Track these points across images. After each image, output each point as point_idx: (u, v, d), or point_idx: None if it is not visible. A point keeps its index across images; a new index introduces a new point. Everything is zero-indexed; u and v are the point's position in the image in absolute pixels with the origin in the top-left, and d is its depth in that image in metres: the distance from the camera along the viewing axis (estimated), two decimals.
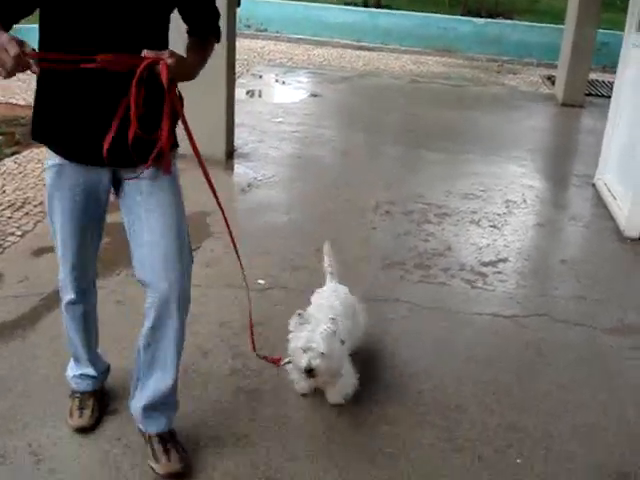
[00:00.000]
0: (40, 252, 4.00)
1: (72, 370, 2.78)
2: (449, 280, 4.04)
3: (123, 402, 2.82)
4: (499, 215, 4.97)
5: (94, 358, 2.77)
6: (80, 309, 2.61)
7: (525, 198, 5.33)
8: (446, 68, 10.34)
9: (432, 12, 12.59)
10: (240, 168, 5.50)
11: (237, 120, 5.86)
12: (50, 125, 2.24)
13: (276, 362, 3.10)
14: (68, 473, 2.49)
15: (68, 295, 2.56)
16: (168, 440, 2.52)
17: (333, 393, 2.89)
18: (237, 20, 5.73)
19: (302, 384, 2.92)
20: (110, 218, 4.41)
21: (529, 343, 3.49)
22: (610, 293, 4.06)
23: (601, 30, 8.77)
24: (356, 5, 12.95)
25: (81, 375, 2.75)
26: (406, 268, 4.13)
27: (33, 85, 2.28)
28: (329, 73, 9.31)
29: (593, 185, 5.66)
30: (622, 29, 5.55)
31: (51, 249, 2.67)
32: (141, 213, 2.36)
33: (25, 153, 5.52)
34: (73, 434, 2.65)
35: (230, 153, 5.63)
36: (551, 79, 9.72)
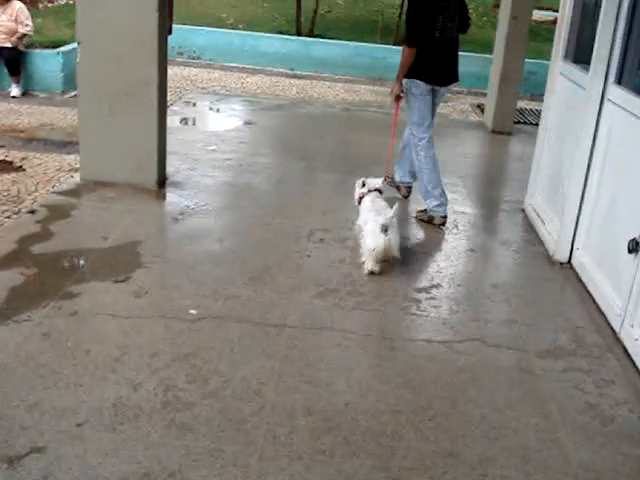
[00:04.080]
0: None
1: None
2: (383, 307, 4.04)
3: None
4: (431, 241, 5.01)
5: None
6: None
7: (457, 224, 5.39)
8: (379, 96, 10.43)
9: (364, 42, 12.73)
10: (172, 197, 5.42)
11: (170, 148, 5.79)
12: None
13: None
14: None
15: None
16: None
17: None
18: (169, 47, 5.69)
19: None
20: (38, 249, 4.34)
21: (463, 368, 3.51)
22: (541, 316, 4.12)
23: (528, 59, 8.98)
24: (289, 34, 13.04)
25: None
26: (340, 295, 4.11)
27: None
28: (263, 101, 9.31)
29: (523, 210, 5.76)
30: (549, 59, 5.69)
31: None
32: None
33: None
34: None
35: (162, 181, 5.55)
36: (480, 107, 9.90)
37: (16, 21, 8.57)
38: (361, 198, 4.79)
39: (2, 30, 8.51)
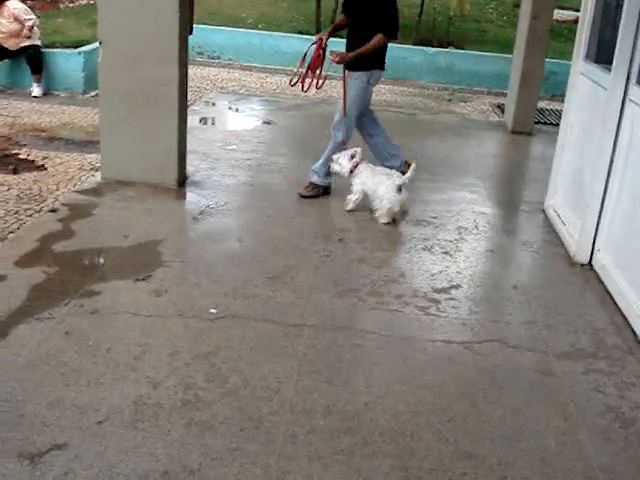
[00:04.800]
0: None
1: None
2: (402, 307, 4.03)
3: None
4: (451, 242, 5.00)
5: None
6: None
7: (477, 224, 5.37)
8: (398, 96, 10.44)
9: None
10: (192, 196, 5.44)
11: (190, 147, 5.82)
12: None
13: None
14: None
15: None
16: None
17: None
18: (189, 47, 5.72)
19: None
20: (60, 248, 4.37)
21: (482, 369, 3.50)
22: (561, 318, 4.10)
23: (549, 59, 8.92)
24: (308, 34, 13.03)
25: None
26: (359, 295, 4.11)
27: None
28: (282, 101, 9.32)
29: (543, 211, 5.73)
30: (570, 59, 5.66)
31: None
32: None
33: None
34: None
35: (182, 181, 5.57)
36: (501, 107, 9.85)
37: (16, 20, 8.53)
38: (355, 167, 5.40)
39: (7, 34, 8.53)
